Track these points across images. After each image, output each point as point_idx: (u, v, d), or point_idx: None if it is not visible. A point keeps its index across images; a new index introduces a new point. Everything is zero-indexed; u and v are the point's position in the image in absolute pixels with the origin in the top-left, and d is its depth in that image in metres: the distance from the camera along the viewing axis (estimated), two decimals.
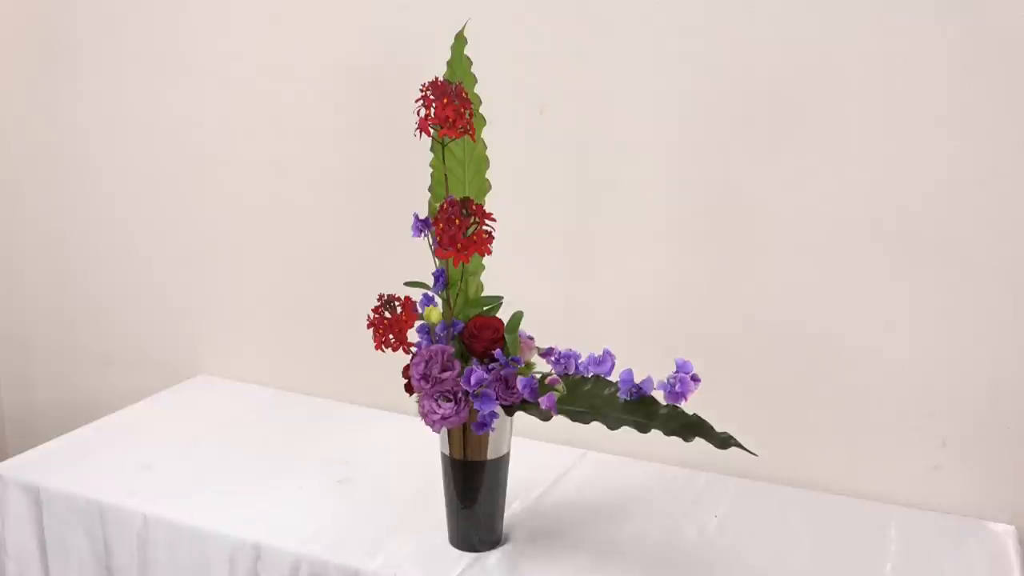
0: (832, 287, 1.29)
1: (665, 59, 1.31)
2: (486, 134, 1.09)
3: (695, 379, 0.95)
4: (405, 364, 1.10)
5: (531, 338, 1.07)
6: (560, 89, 1.38)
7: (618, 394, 0.98)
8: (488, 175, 1.10)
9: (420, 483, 1.27)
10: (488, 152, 1.10)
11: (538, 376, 1.02)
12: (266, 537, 1.18)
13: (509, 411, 1.06)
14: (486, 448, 1.09)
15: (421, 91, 1.00)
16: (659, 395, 0.97)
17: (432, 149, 1.07)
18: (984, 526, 1.24)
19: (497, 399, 1.02)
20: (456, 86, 1.00)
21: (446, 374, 1.03)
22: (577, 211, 1.41)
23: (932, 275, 1.23)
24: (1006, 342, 1.22)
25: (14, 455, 1.43)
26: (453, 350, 1.05)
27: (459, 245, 0.99)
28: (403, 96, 1.09)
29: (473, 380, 1.01)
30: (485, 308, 1.09)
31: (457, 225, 0.99)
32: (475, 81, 1.08)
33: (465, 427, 1.07)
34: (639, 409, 0.98)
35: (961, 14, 1.16)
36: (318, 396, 1.64)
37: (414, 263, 1.12)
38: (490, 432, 1.04)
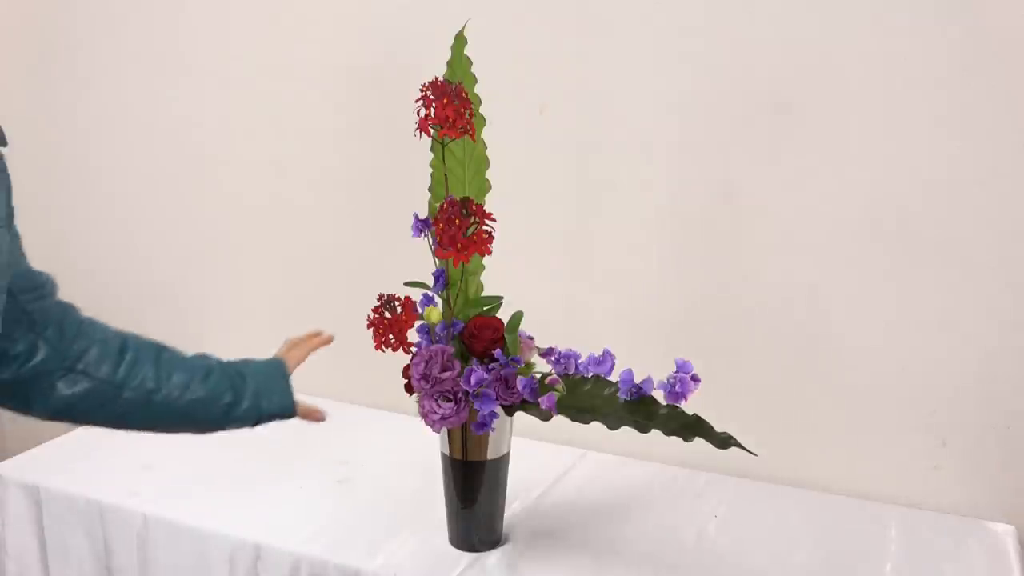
0: (832, 287, 1.29)
1: (665, 59, 1.31)
2: (486, 134, 1.09)
3: (695, 379, 0.95)
4: (405, 364, 1.10)
5: (531, 338, 1.07)
6: (560, 89, 1.38)
7: (618, 394, 0.98)
8: (488, 175, 1.10)
9: (420, 483, 1.27)
10: (488, 152, 1.10)
11: (538, 376, 1.02)
12: (266, 537, 1.18)
13: (509, 411, 1.06)
14: (486, 448, 1.09)
15: (421, 91, 1.00)
16: (659, 395, 0.97)
17: (432, 149, 1.07)
18: (984, 526, 1.24)
19: (497, 399, 1.02)
20: (456, 86, 1.00)
21: (446, 374, 1.03)
22: (577, 211, 1.41)
23: (932, 275, 1.23)
24: (1006, 342, 1.22)
25: (14, 455, 1.43)
26: (453, 350, 1.05)
27: (459, 245, 0.99)
28: (403, 96, 1.09)
29: (473, 380, 1.01)
30: (485, 308, 1.09)
31: (457, 225, 0.99)
32: (475, 81, 1.08)
33: (465, 427, 1.07)
34: (639, 409, 0.98)
35: (961, 14, 1.16)
36: (318, 396, 1.63)
37: (414, 263, 1.12)
38: (490, 432, 1.04)
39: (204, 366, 1.02)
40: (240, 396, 1.01)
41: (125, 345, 0.97)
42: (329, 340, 1.12)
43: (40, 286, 0.92)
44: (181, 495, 1.29)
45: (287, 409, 1.04)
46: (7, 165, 0.86)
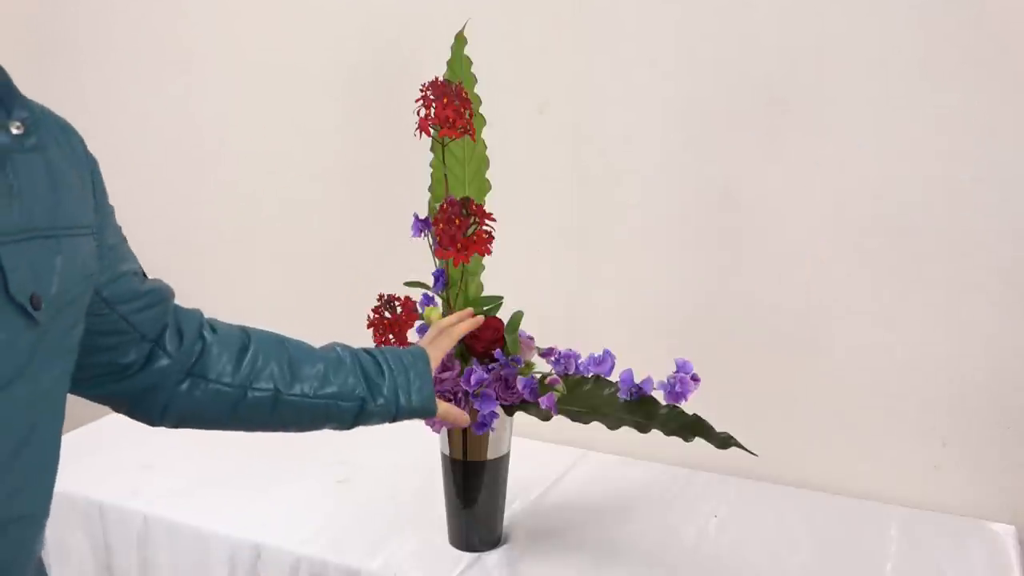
0: (832, 286, 1.29)
1: (665, 58, 1.31)
2: (486, 134, 1.09)
3: (695, 379, 0.95)
4: None
5: (531, 338, 1.07)
6: (560, 89, 1.38)
7: (618, 394, 0.98)
8: (488, 175, 1.10)
9: (420, 483, 1.27)
10: (488, 152, 1.10)
11: (538, 376, 1.02)
12: (266, 537, 1.18)
13: (509, 411, 1.06)
14: (486, 448, 1.09)
15: (421, 91, 1.00)
16: (659, 395, 0.97)
17: (432, 149, 1.07)
18: (984, 526, 1.24)
19: (497, 399, 1.02)
20: (456, 86, 1.00)
21: (446, 374, 1.03)
22: (577, 210, 1.41)
23: (933, 274, 1.23)
24: (1006, 341, 1.22)
25: None
26: (453, 350, 1.05)
27: (459, 245, 0.99)
28: (403, 96, 1.09)
29: (473, 380, 1.01)
30: (485, 308, 1.09)
31: (457, 225, 0.99)
32: (475, 81, 1.08)
33: (465, 427, 1.07)
34: (639, 409, 0.98)
35: (962, 13, 1.16)
36: None
37: (414, 263, 1.12)
38: (490, 432, 1.04)
39: (334, 358, 0.92)
40: (375, 391, 0.91)
41: (247, 342, 0.90)
42: (479, 322, 1.02)
43: (142, 295, 0.84)
44: (181, 495, 1.29)
45: (427, 406, 0.93)
46: (96, 162, 0.79)
